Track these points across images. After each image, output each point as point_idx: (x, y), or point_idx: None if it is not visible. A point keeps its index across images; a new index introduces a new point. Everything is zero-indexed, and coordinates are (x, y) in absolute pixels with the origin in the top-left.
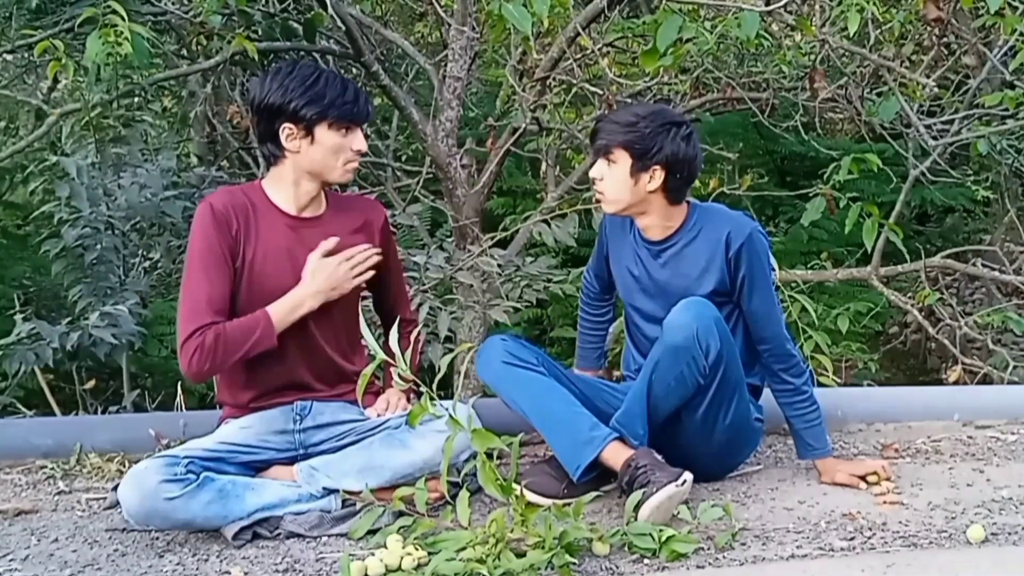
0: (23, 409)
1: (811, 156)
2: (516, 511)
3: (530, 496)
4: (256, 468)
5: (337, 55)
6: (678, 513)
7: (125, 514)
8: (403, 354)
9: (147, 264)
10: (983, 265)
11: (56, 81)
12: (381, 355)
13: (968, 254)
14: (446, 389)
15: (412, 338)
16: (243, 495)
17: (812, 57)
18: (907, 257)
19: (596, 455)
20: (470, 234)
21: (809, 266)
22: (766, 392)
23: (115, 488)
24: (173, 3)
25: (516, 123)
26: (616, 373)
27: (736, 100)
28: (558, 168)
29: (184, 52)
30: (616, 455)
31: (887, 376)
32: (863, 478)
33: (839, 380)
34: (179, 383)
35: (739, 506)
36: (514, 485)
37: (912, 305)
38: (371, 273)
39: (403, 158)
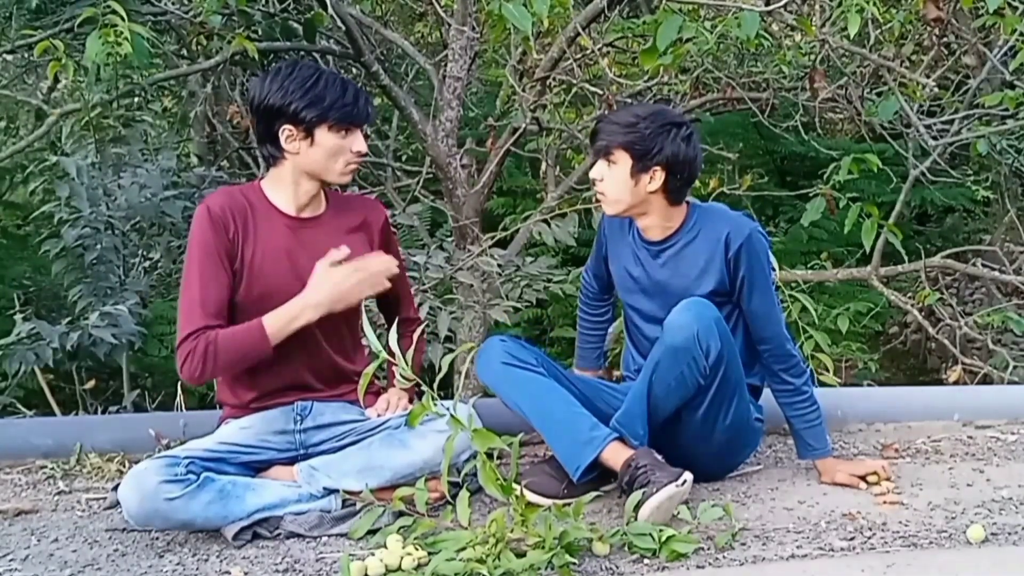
0: (23, 409)
1: (811, 156)
2: (516, 511)
3: (530, 496)
4: (256, 468)
5: (337, 55)
6: (678, 513)
7: (125, 514)
8: (404, 354)
9: (147, 264)
10: (983, 265)
11: (56, 81)
12: (383, 355)
13: (968, 254)
14: (446, 389)
15: (414, 337)
16: (243, 495)
17: (812, 57)
18: (907, 257)
19: (596, 455)
20: (470, 234)
21: (809, 266)
22: (766, 392)
23: (115, 488)
24: (173, 3)
25: (516, 123)
26: (616, 373)
27: (736, 100)
28: (558, 168)
29: (184, 52)
30: (616, 455)
31: (887, 376)
32: (863, 478)
33: (839, 380)
34: (179, 383)
35: (739, 506)
36: (514, 485)
37: (912, 305)
38: (387, 285)
39: (403, 158)
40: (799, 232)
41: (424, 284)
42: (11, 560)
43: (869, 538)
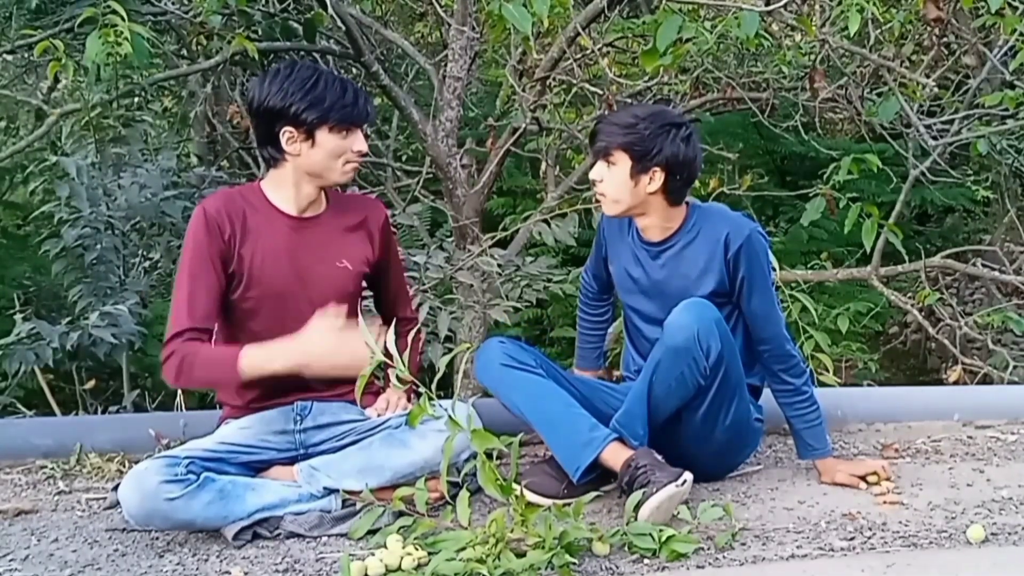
0: (23, 409)
1: (811, 156)
2: (516, 511)
3: (530, 496)
4: (256, 468)
5: (337, 55)
6: (678, 513)
7: (125, 514)
8: (401, 354)
9: (147, 264)
10: (983, 265)
11: (56, 81)
12: (379, 355)
13: (968, 254)
14: (446, 389)
15: (409, 337)
16: (243, 495)
17: (812, 57)
18: (907, 257)
19: (595, 456)
20: (470, 234)
21: (809, 266)
22: (766, 392)
23: (115, 488)
24: (173, 3)
25: (516, 123)
26: (616, 373)
27: (736, 100)
28: (558, 168)
29: (184, 52)
30: (616, 455)
31: (887, 376)
32: (863, 478)
33: (839, 380)
34: None
35: (739, 506)
36: (514, 485)
37: (912, 305)
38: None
39: (403, 158)
40: (799, 232)
41: (424, 284)
42: (11, 560)
43: (869, 538)
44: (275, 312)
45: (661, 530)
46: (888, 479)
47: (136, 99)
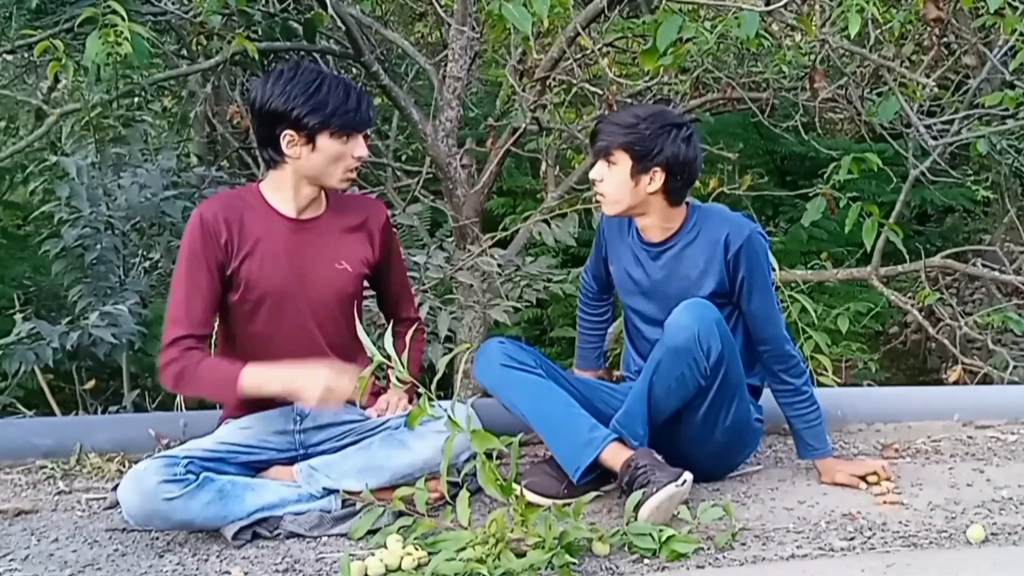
0: (23, 409)
1: (811, 156)
2: (516, 511)
3: (530, 496)
4: (256, 468)
5: (337, 55)
6: (678, 513)
7: (125, 514)
8: (400, 355)
9: (147, 264)
10: (983, 265)
11: (56, 81)
12: (379, 356)
13: (968, 254)
14: (446, 389)
15: (408, 337)
16: (243, 495)
17: (812, 57)
18: (907, 257)
19: (595, 456)
20: (470, 234)
21: (809, 266)
22: (766, 392)
23: (115, 488)
24: (173, 3)
25: (516, 123)
26: (616, 373)
27: (736, 100)
28: (558, 168)
29: (184, 52)
30: (616, 456)
31: (887, 376)
32: (863, 478)
33: (839, 380)
34: None
35: (739, 506)
36: (514, 485)
37: (912, 305)
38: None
39: (403, 158)
40: (799, 232)
41: (424, 284)
42: (11, 560)
43: (869, 538)
44: (274, 313)
45: (661, 530)
46: (888, 479)
47: (136, 99)
